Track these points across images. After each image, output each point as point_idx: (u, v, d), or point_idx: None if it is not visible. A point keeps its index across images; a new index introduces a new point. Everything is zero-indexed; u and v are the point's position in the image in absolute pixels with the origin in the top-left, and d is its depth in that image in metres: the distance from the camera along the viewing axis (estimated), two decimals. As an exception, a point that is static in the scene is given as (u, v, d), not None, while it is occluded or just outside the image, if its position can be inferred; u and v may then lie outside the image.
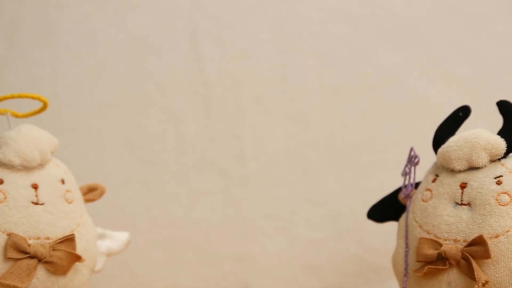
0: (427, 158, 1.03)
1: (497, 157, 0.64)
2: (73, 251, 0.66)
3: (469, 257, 0.60)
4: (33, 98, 0.73)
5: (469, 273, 0.60)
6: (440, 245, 0.63)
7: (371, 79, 1.03)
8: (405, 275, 0.66)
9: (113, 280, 1.01)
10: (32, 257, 0.63)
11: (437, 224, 0.64)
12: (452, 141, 0.66)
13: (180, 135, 1.04)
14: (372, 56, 1.03)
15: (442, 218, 0.64)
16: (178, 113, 1.05)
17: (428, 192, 0.67)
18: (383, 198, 0.76)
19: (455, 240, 0.63)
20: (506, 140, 0.65)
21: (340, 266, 1.02)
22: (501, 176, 0.63)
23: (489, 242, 0.60)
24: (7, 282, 0.61)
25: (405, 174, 0.70)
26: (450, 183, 0.65)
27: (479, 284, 0.59)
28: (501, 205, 0.62)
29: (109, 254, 0.76)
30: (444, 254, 0.62)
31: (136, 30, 1.05)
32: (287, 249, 1.02)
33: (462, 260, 0.61)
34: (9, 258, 0.62)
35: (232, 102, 1.04)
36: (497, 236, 0.61)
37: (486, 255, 0.60)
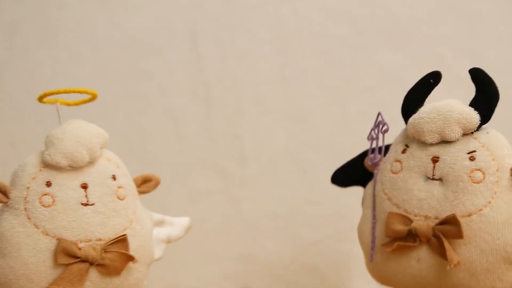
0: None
1: (470, 131, 0.62)
2: (125, 252, 0.64)
3: (441, 235, 0.59)
4: (80, 92, 0.71)
5: (440, 252, 0.59)
6: (411, 221, 0.61)
7: (371, 79, 1.03)
8: (372, 248, 0.64)
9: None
10: (83, 261, 0.61)
11: (407, 199, 0.62)
12: (424, 112, 0.64)
13: (180, 135, 1.04)
14: (372, 56, 1.03)
15: (412, 192, 0.62)
16: (178, 113, 1.05)
17: (398, 164, 0.64)
18: (348, 162, 0.73)
19: (426, 217, 0.61)
20: (479, 112, 0.63)
21: (340, 266, 1.02)
22: (474, 151, 0.61)
23: (461, 221, 0.58)
24: (58, 287, 0.60)
25: (371, 139, 0.67)
26: (421, 156, 0.63)
27: (451, 265, 0.58)
28: (474, 182, 0.60)
29: (169, 241, 0.73)
30: (415, 231, 0.60)
31: (136, 30, 1.05)
32: (287, 249, 1.02)
33: (433, 237, 0.60)
34: (59, 263, 0.61)
35: (232, 102, 1.04)
36: (469, 215, 0.59)
37: (459, 235, 0.58)
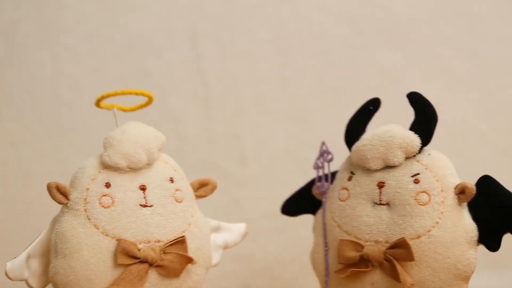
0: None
1: (412, 154, 0.63)
2: (184, 253, 0.63)
3: (392, 259, 0.60)
4: (136, 94, 0.70)
5: (393, 275, 0.60)
6: (362, 246, 0.62)
7: (371, 79, 1.03)
8: (326, 275, 0.65)
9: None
10: (143, 261, 0.61)
11: (357, 225, 0.63)
12: (366, 139, 0.65)
13: (180, 135, 1.04)
14: (372, 56, 1.03)
15: (361, 218, 0.63)
16: (178, 113, 1.05)
17: (345, 191, 0.65)
18: (296, 191, 0.74)
19: (377, 242, 0.62)
20: (419, 135, 0.63)
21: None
22: (418, 174, 0.62)
23: (411, 243, 0.59)
24: None
25: (317, 167, 0.68)
26: (367, 182, 0.64)
27: (405, 287, 0.58)
28: (421, 204, 0.61)
29: (225, 247, 0.73)
30: (367, 256, 0.61)
31: (136, 30, 1.05)
32: (287, 249, 1.02)
33: (385, 261, 0.60)
34: (119, 264, 0.60)
35: (232, 102, 1.04)
36: (418, 237, 0.60)
37: (410, 257, 0.59)
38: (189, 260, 0.64)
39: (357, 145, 0.65)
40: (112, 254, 0.61)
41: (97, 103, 0.72)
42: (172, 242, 0.63)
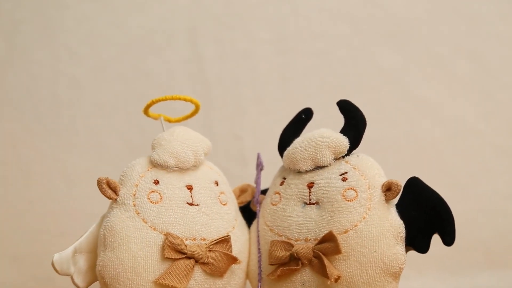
0: (434, 158, 1.03)
1: (341, 155, 0.65)
2: (229, 253, 0.64)
3: (321, 254, 0.60)
4: (185, 100, 0.72)
5: (321, 271, 0.60)
6: (292, 246, 0.63)
7: (371, 79, 1.03)
8: (259, 280, 0.66)
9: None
10: (189, 257, 0.62)
11: (287, 226, 0.64)
12: (297, 142, 0.67)
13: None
14: (372, 56, 1.03)
15: (292, 219, 0.64)
16: (178, 113, 1.05)
17: (277, 196, 0.67)
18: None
19: (306, 240, 0.63)
20: (348, 137, 0.65)
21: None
22: (346, 172, 0.63)
23: (338, 237, 0.60)
24: (165, 282, 0.60)
25: (257, 180, 0.70)
26: (297, 184, 0.65)
27: (332, 280, 0.59)
28: (348, 200, 0.62)
29: None
30: (296, 254, 0.62)
31: (136, 31, 1.05)
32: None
33: (314, 258, 0.61)
34: (166, 258, 0.61)
35: (232, 102, 1.04)
36: (346, 232, 0.61)
37: (337, 250, 0.60)
38: (234, 259, 0.64)
39: (288, 149, 0.67)
40: (159, 248, 0.62)
41: (146, 111, 0.74)
42: (217, 241, 0.64)
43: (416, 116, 1.02)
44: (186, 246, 0.62)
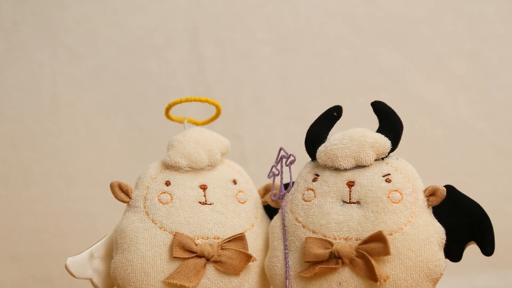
0: (437, 157, 1.04)
1: (382, 156, 0.63)
2: (243, 250, 0.63)
3: (366, 254, 0.59)
4: (201, 101, 0.72)
5: (365, 272, 0.59)
6: (331, 243, 0.61)
7: (371, 79, 1.03)
8: (287, 277, 0.63)
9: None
10: (199, 256, 0.61)
11: (325, 223, 0.62)
12: (336, 139, 0.64)
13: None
14: (372, 56, 1.03)
15: (330, 216, 0.62)
16: (178, 113, 1.05)
17: (311, 192, 0.64)
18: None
19: (346, 239, 0.61)
20: (389, 139, 0.64)
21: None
22: (389, 174, 0.62)
23: (388, 239, 0.59)
24: (174, 281, 0.60)
25: (273, 175, 0.67)
26: (335, 182, 0.63)
27: (381, 281, 0.58)
28: (394, 202, 0.61)
29: None
30: (337, 252, 0.60)
31: (136, 30, 1.05)
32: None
33: (356, 258, 0.59)
34: (175, 257, 0.61)
35: (232, 102, 1.04)
36: (391, 234, 0.60)
37: (386, 251, 0.58)
38: (249, 257, 0.63)
39: (325, 145, 0.65)
40: (168, 248, 0.62)
41: (167, 114, 0.74)
42: (230, 239, 0.63)
43: (416, 116, 1.02)
44: (196, 245, 0.62)
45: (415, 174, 0.63)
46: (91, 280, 0.64)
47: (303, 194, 0.65)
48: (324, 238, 0.62)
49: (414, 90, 1.02)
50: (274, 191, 0.67)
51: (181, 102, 0.72)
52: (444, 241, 0.61)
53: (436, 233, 0.60)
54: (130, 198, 0.65)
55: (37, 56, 1.04)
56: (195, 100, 0.72)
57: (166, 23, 1.05)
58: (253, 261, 0.64)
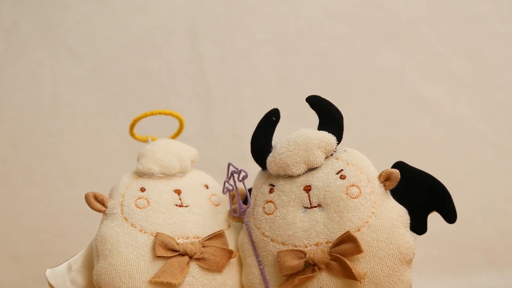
0: (432, 159, 1.03)
1: (330, 153, 0.64)
2: (224, 247, 0.64)
3: (340, 257, 0.59)
4: (165, 114, 0.74)
5: (342, 273, 0.59)
6: (303, 252, 0.61)
7: (371, 79, 1.03)
8: None
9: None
10: (182, 254, 0.62)
11: (292, 234, 0.62)
12: (282, 147, 0.64)
13: (180, 135, 1.04)
14: (372, 56, 1.03)
15: (295, 225, 0.62)
16: (178, 113, 1.05)
17: (271, 204, 0.64)
18: None
19: (317, 244, 0.61)
20: (333, 134, 0.64)
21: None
22: (342, 170, 0.62)
23: (358, 237, 0.59)
24: (160, 279, 0.60)
25: (228, 190, 0.67)
26: (292, 189, 0.63)
27: (361, 280, 0.58)
28: (353, 198, 0.61)
29: None
30: (312, 260, 0.60)
31: (136, 30, 1.05)
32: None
33: (331, 262, 0.60)
34: (158, 256, 0.61)
35: (232, 102, 1.04)
36: (359, 229, 0.60)
37: (358, 250, 0.59)
38: (230, 253, 0.64)
39: (273, 155, 0.65)
40: (150, 248, 0.62)
41: (131, 132, 0.75)
42: (210, 236, 0.64)
43: (416, 116, 1.02)
44: (178, 244, 0.63)
45: (366, 161, 0.64)
46: None
47: (264, 208, 0.65)
48: (295, 248, 0.62)
49: (414, 90, 1.02)
50: (233, 207, 0.67)
51: (146, 116, 0.73)
52: (408, 221, 0.61)
53: (400, 216, 0.61)
54: (106, 207, 0.65)
55: (37, 56, 1.04)
56: (159, 113, 0.73)
57: (166, 23, 1.05)
58: (234, 257, 0.65)
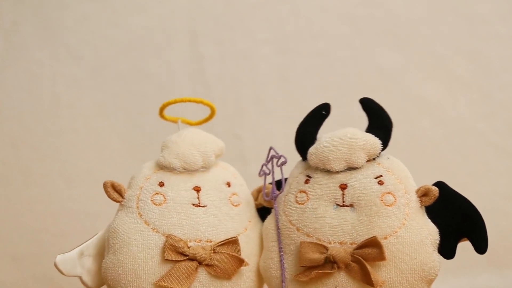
0: (434, 157, 1.04)
1: (373, 157, 0.63)
2: (236, 254, 0.62)
3: (361, 260, 0.59)
4: (196, 102, 0.72)
5: (361, 276, 0.59)
6: (326, 248, 0.60)
7: (371, 79, 1.03)
8: (283, 280, 0.63)
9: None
10: (191, 259, 0.61)
11: (319, 227, 0.62)
12: (326, 141, 0.64)
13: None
14: (372, 56, 1.03)
15: (324, 220, 0.62)
16: (178, 113, 1.05)
17: (303, 194, 0.64)
18: None
19: (341, 243, 0.61)
20: (379, 138, 0.63)
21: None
22: (381, 176, 0.62)
23: (383, 244, 0.59)
24: (165, 284, 0.60)
25: (264, 174, 0.66)
26: (328, 184, 0.63)
27: (378, 287, 0.58)
28: (387, 205, 0.60)
29: None
30: (333, 257, 0.60)
31: (136, 30, 1.05)
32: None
33: (352, 263, 0.59)
34: (167, 260, 0.60)
35: (232, 102, 1.04)
36: (386, 238, 0.59)
37: (381, 257, 0.58)
38: (241, 262, 0.63)
39: (315, 147, 0.64)
40: (160, 250, 0.61)
41: (160, 114, 0.73)
42: (223, 242, 0.63)
43: (416, 116, 1.02)
44: (188, 247, 0.61)
45: (407, 173, 0.63)
46: (80, 278, 0.63)
47: (296, 196, 0.65)
48: (319, 242, 0.61)
49: (414, 90, 1.02)
50: (266, 191, 0.67)
51: (175, 102, 0.72)
52: (438, 242, 0.61)
53: (430, 234, 0.60)
54: (123, 197, 0.64)
55: (37, 56, 1.04)
56: (189, 101, 0.72)
57: (166, 23, 1.05)
58: (245, 266, 0.63)
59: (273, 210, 0.66)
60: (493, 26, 1.02)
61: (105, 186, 0.64)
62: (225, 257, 0.62)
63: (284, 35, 1.04)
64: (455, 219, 0.61)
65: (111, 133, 1.05)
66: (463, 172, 1.01)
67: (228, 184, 0.67)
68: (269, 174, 0.65)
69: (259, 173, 0.67)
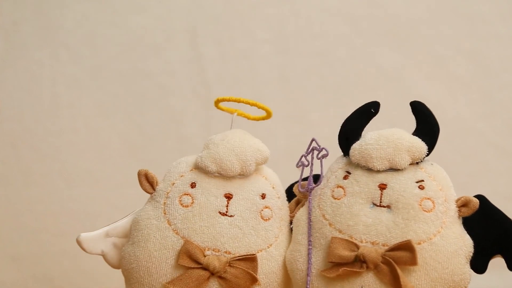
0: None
1: (417, 161, 0.62)
2: (251, 272, 0.60)
3: (392, 262, 0.58)
4: (256, 105, 0.70)
5: (389, 279, 0.58)
6: (357, 246, 0.59)
7: (371, 79, 1.03)
8: (309, 274, 0.62)
9: (116, 278, 1.01)
10: (204, 268, 0.60)
11: (352, 224, 0.60)
12: (371, 139, 0.62)
13: (180, 135, 1.04)
14: (372, 56, 1.03)
15: (359, 218, 0.60)
16: (178, 113, 1.05)
17: (340, 189, 0.62)
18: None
19: (373, 243, 0.60)
20: (425, 143, 0.62)
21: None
22: (423, 180, 0.61)
23: (417, 249, 0.58)
24: (174, 287, 0.59)
25: (302, 165, 0.64)
26: (367, 183, 0.62)
27: None
28: (425, 211, 0.59)
29: None
30: (363, 256, 0.58)
31: (136, 30, 1.05)
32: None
33: (381, 264, 0.58)
34: (179, 264, 0.59)
35: (232, 102, 1.04)
36: (419, 243, 0.58)
37: (413, 261, 0.57)
38: (255, 280, 0.61)
39: (359, 143, 0.63)
40: (176, 253, 0.60)
41: (216, 105, 0.71)
42: (241, 257, 0.61)
43: (416, 116, 1.02)
44: (204, 256, 0.60)
45: (448, 182, 0.62)
46: (104, 256, 0.63)
47: (333, 191, 0.63)
48: (351, 239, 0.60)
49: (414, 90, 1.02)
50: (302, 182, 0.65)
51: (230, 100, 0.69)
52: (471, 254, 0.60)
53: (465, 246, 0.60)
54: (154, 190, 0.63)
55: (37, 56, 1.04)
56: (245, 102, 0.69)
57: (166, 23, 1.05)
58: (258, 285, 0.62)
59: (306, 203, 0.65)
60: (493, 26, 1.01)
61: (139, 174, 0.63)
62: (240, 272, 0.61)
63: (284, 35, 1.04)
64: (492, 235, 0.60)
65: (111, 133, 1.04)
66: (463, 172, 1.01)
67: (263, 196, 0.65)
68: (307, 165, 0.64)
69: (297, 164, 0.65)
